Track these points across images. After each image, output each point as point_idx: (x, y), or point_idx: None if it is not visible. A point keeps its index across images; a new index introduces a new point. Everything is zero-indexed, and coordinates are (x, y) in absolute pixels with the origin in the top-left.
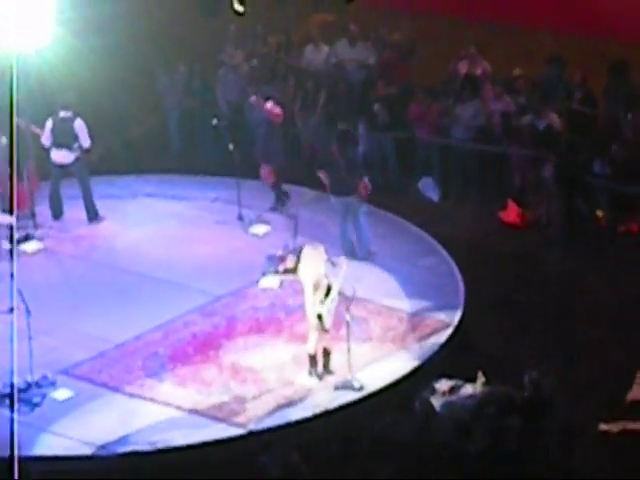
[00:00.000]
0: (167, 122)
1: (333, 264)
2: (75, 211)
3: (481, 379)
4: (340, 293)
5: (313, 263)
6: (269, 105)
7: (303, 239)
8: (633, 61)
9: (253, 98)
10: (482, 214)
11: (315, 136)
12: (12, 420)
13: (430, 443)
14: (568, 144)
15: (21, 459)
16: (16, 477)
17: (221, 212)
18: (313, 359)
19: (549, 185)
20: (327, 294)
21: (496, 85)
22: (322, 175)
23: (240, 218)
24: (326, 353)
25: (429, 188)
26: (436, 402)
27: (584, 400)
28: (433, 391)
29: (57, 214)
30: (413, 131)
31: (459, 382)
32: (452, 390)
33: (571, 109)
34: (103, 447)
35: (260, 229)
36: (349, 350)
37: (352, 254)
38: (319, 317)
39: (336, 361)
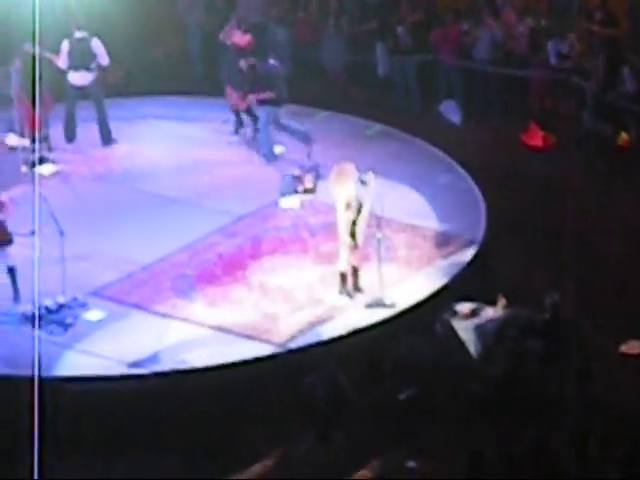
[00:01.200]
0: (189, 43)
1: (363, 182)
2: (88, 134)
3: (502, 302)
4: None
5: (344, 181)
6: (237, 35)
7: (318, 159)
8: None
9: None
10: (504, 137)
11: (337, 58)
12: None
13: (451, 366)
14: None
15: (54, 379)
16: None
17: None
18: (344, 277)
19: (571, 107)
20: (358, 212)
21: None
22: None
23: (253, 139)
24: (355, 271)
25: (451, 111)
26: (457, 325)
27: (605, 323)
28: (454, 314)
29: (71, 137)
30: (435, 54)
31: (480, 305)
32: (473, 313)
33: (591, 30)
34: (139, 365)
35: (275, 150)
36: (380, 268)
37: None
38: (352, 235)
39: (364, 280)
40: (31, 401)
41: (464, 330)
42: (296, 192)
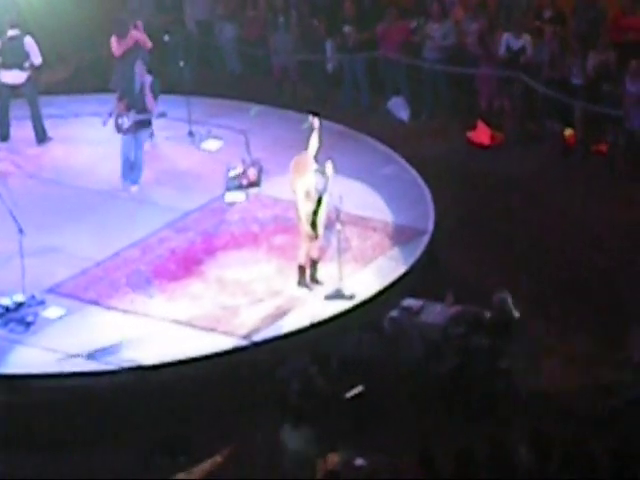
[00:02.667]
0: None
1: (322, 173)
2: (21, 132)
3: (450, 298)
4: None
5: (302, 172)
6: (135, 33)
7: (258, 153)
8: None
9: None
10: (452, 134)
11: (286, 56)
12: None
13: (399, 362)
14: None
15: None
16: None
17: (169, 129)
18: (303, 269)
19: (519, 105)
20: (318, 203)
21: (469, 4)
22: None
23: (191, 134)
24: (313, 263)
25: (399, 108)
26: (405, 321)
27: (553, 320)
28: (402, 310)
29: (5, 136)
30: (381, 51)
31: (428, 301)
32: (421, 310)
33: (541, 28)
34: (100, 360)
35: (213, 145)
36: (339, 259)
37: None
38: (313, 226)
39: (322, 271)
40: None
41: (412, 327)
42: (241, 186)
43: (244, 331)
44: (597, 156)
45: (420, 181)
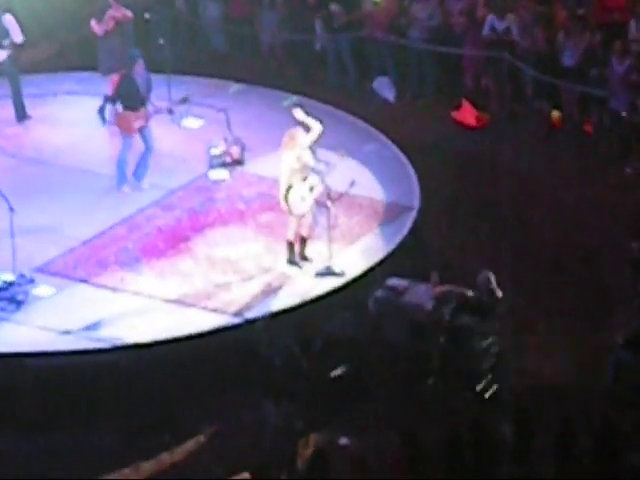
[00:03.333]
0: None
1: (314, 151)
2: (1, 111)
3: (435, 278)
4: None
5: (291, 146)
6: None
7: (239, 131)
8: None
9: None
10: (437, 114)
11: (273, 35)
12: None
13: (384, 342)
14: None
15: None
16: None
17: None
18: (292, 246)
19: (504, 85)
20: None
21: None
22: None
23: (170, 112)
24: (303, 241)
25: (384, 88)
26: (390, 301)
27: (536, 300)
28: (387, 290)
29: None
30: (367, 31)
31: (413, 281)
32: (406, 290)
33: (527, 8)
34: (92, 339)
35: (194, 122)
36: (329, 236)
37: None
38: (285, 199)
39: (310, 248)
40: None
41: (397, 307)
42: (224, 164)
43: (235, 308)
44: (582, 137)
45: (402, 157)
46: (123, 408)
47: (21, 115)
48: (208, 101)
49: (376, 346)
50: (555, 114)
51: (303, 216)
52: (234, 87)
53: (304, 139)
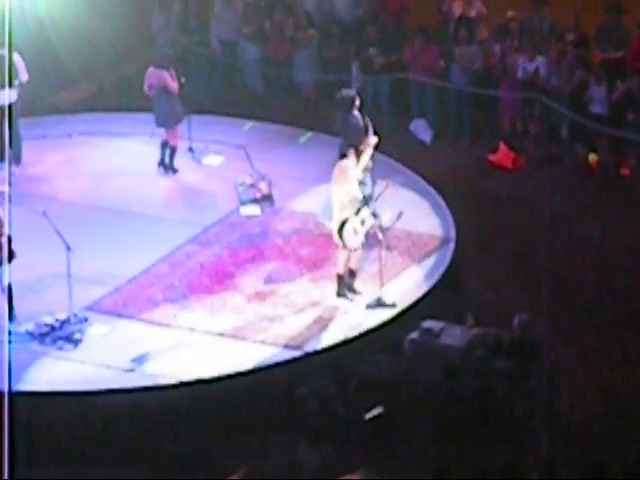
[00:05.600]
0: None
1: (363, 184)
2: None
3: (470, 321)
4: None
5: (342, 180)
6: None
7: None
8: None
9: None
10: (474, 157)
11: (310, 74)
12: None
13: (418, 384)
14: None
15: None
16: None
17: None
18: (341, 279)
19: (541, 127)
20: (356, 213)
21: (492, 27)
22: None
23: (191, 150)
24: (352, 274)
25: (422, 129)
26: (425, 343)
27: (573, 343)
28: (422, 332)
29: (17, 159)
30: (408, 73)
31: (448, 323)
32: (441, 332)
33: (563, 50)
34: (162, 378)
35: (215, 160)
36: (381, 268)
37: None
38: (339, 233)
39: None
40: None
41: (432, 349)
42: (255, 199)
43: (293, 342)
44: (619, 180)
45: (431, 190)
46: (157, 445)
47: (17, 159)
48: (225, 138)
49: (411, 388)
50: (592, 157)
51: (355, 250)
52: (248, 125)
53: (354, 171)
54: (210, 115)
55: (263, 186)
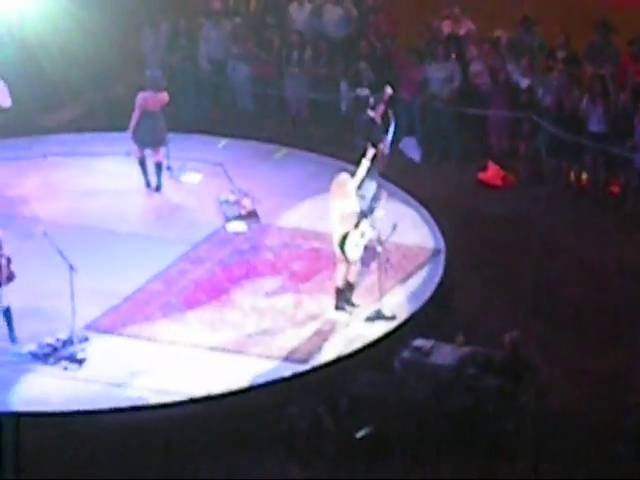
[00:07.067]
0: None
1: (362, 197)
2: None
3: (460, 339)
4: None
5: (340, 194)
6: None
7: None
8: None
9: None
10: (464, 175)
11: (300, 93)
12: None
13: (409, 403)
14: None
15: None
16: None
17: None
18: (340, 292)
19: (530, 145)
20: (356, 226)
21: (482, 45)
22: None
23: (169, 168)
24: (350, 286)
25: (411, 148)
26: (415, 362)
27: (562, 360)
28: (412, 351)
29: None
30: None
31: (438, 342)
32: (431, 350)
33: (554, 69)
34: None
35: (193, 177)
36: (380, 281)
37: None
38: (341, 248)
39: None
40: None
41: (422, 367)
42: (240, 216)
43: (299, 355)
44: (608, 198)
45: (412, 201)
46: (146, 464)
47: None
48: (200, 156)
49: (401, 406)
50: (584, 177)
51: (354, 263)
52: (222, 142)
53: (352, 185)
54: (191, 134)
55: (247, 202)
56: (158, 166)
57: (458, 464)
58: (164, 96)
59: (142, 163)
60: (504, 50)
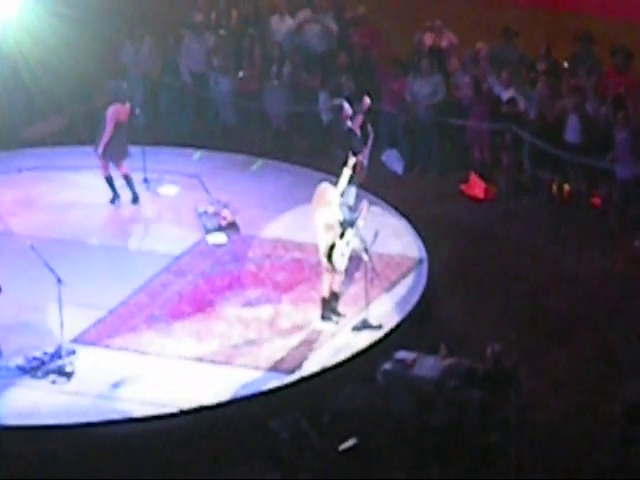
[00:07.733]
0: (132, 92)
1: (349, 207)
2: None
3: (443, 351)
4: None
5: (323, 203)
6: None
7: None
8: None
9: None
10: (445, 187)
11: (280, 105)
12: None
13: (392, 415)
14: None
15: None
16: None
17: (117, 177)
18: (326, 302)
19: (512, 157)
20: (341, 236)
21: (463, 57)
22: None
23: (146, 180)
24: (335, 296)
25: (393, 160)
26: (398, 374)
27: (545, 372)
28: (395, 363)
29: None
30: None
31: (421, 354)
32: (414, 362)
33: (535, 80)
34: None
35: (171, 190)
36: (367, 290)
37: None
38: (328, 258)
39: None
40: None
41: (405, 379)
42: (220, 227)
43: (287, 365)
44: (590, 209)
45: (392, 210)
46: (138, 476)
47: None
48: (175, 168)
49: (384, 418)
50: (566, 187)
51: (341, 272)
52: (196, 154)
53: (334, 194)
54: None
55: (227, 213)
56: (127, 178)
57: (441, 476)
58: (129, 107)
59: (110, 179)
60: (485, 62)
